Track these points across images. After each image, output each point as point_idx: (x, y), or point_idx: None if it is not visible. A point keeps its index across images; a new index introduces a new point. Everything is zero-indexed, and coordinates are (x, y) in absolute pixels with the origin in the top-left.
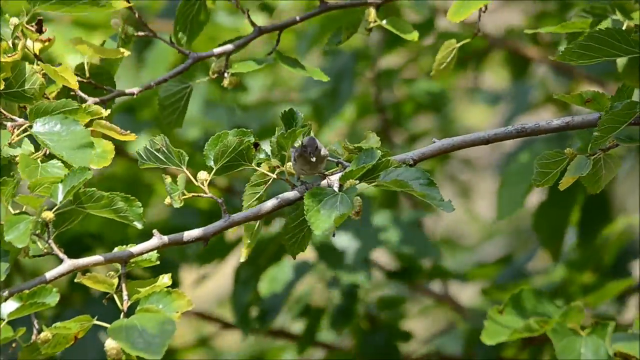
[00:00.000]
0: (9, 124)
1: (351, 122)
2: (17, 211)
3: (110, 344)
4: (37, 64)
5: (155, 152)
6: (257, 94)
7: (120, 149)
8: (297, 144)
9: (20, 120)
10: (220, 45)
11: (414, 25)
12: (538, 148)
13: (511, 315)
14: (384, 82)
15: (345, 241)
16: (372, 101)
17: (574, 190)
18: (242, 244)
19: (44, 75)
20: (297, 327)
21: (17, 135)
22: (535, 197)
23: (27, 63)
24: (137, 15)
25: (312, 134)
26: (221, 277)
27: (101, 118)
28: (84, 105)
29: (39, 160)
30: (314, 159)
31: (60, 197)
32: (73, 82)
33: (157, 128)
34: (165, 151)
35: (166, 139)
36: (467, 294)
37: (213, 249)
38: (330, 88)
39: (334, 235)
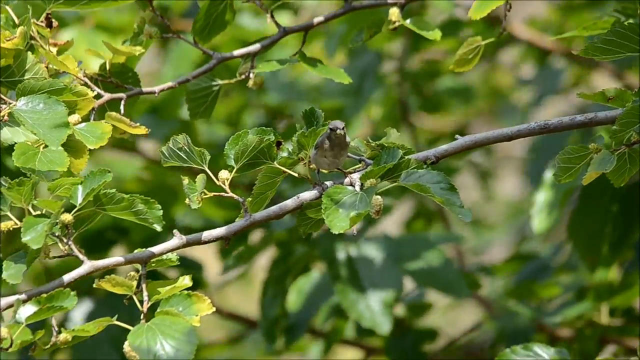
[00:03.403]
0: (3, 106)
1: (377, 122)
2: (37, 213)
3: (129, 347)
4: (42, 49)
5: (177, 151)
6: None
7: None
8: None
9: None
10: (245, 46)
11: (441, 25)
12: None
13: None
14: (410, 81)
15: (370, 276)
16: (397, 100)
17: (607, 193)
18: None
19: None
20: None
21: (5, 114)
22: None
23: (30, 53)
24: (159, 15)
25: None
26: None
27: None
28: (69, 86)
29: (40, 147)
30: (341, 133)
31: (79, 199)
32: (73, 69)
33: (180, 129)
34: (187, 150)
35: (188, 138)
36: (493, 286)
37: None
38: (354, 86)
39: (354, 234)
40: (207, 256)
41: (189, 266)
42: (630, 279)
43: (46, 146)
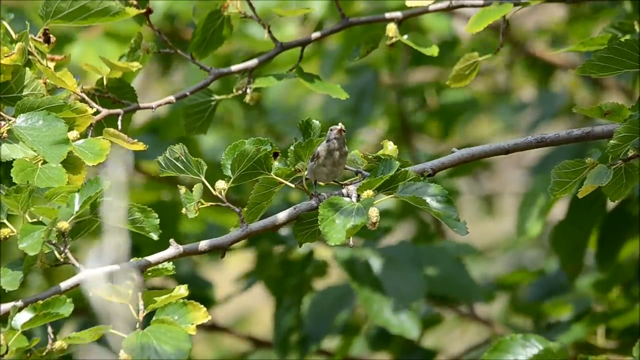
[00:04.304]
0: (2, 122)
1: (380, 137)
2: (34, 220)
3: (125, 355)
4: (40, 64)
5: (174, 161)
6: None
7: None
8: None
9: (10, 118)
10: (243, 60)
11: (440, 43)
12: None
13: None
14: (410, 96)
15: (393, 282)
16: (397, 114)
17: (593, 208)
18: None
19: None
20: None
21: (4, 131)
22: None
23: (28, 69)
24: (157, 31)
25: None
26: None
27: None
28: (69, 103)
29: (39, 164)
30: (339, 130)
31: (76, 206)
32: (71, 85)
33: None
34: (184, 160)
35: (185, 148)
36: (497, 306)
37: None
38: (352, 105)
39: (350, 246)
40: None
41: (200, 285)
42: (629, 300)
43: (45, 162)
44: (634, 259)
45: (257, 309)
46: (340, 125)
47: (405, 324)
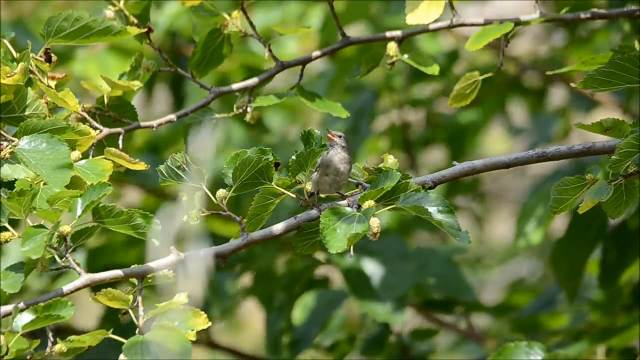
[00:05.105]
0: (4, 143)
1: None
2: (36, 224)
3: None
4: (41, 83)
5: (175, 169)
6: (277, 131)
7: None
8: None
9: (12, 138)
10: (244, 79)
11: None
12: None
13: None
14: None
15: (381, 274)
16: (399, 130)
17: (592, 228)
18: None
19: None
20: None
21: (6, 153)
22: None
23: (29, 89)
24: (157, 49)
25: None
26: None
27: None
28: (72, 125)
29: (40, 184)
30: (338, 140)
31: (79, 211)
32: (73, 105)
33: None
34: (186, 168)
35: (187, 157)
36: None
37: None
38: (351, 125)
39: (351, 257)
40: None
41: None
42: (629, 319)
43: (46, 183)
44: (634, 281)
45: (246, 317)
46: (339, 133)
47: (390, 314)
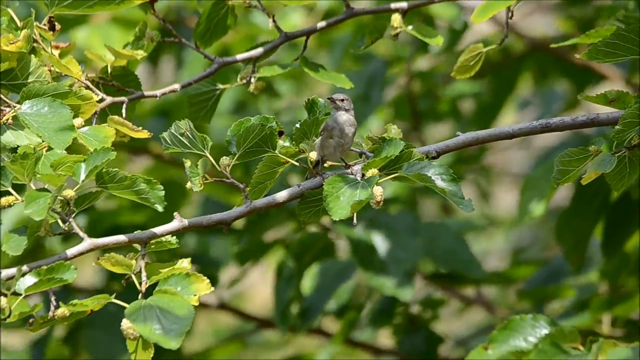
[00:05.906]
0: (6, 109)
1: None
2: (39, 187)
3: (127, 324)
4: (45, 52)
5: (179, 137)
6: (285, 100)
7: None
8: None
9: (15, 104)
10: (247, 50)
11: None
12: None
13: (496, 350)
14: (418, 84)
15: (389, 248)
16: (406, 101)
17: (596, 200)
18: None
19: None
20: (335, 325)
21: (9, 117)
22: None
23: (33, 56)
24: (161, 19)
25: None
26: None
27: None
28: (74, 89)
29: (43, 150)
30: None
31: (82, 176)
32: (77, 72)
33: None
34: (190, 135)
35: (190, 124)
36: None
37: (250, 249)
38: (362, 93)
39: (354, 225)
40: None
41: (207, 263)
42: (633, 287)
43: (49, 149)
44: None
45: (253, 287)
46: (341, 96)
47: (399, 287)
